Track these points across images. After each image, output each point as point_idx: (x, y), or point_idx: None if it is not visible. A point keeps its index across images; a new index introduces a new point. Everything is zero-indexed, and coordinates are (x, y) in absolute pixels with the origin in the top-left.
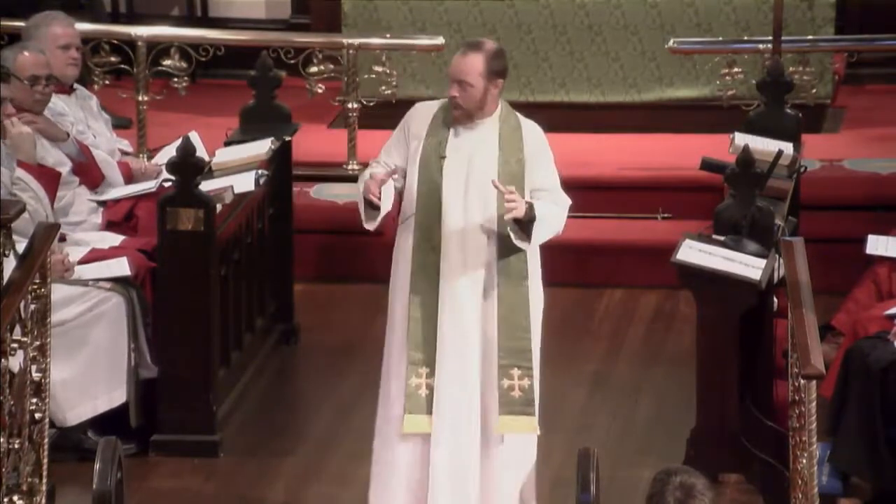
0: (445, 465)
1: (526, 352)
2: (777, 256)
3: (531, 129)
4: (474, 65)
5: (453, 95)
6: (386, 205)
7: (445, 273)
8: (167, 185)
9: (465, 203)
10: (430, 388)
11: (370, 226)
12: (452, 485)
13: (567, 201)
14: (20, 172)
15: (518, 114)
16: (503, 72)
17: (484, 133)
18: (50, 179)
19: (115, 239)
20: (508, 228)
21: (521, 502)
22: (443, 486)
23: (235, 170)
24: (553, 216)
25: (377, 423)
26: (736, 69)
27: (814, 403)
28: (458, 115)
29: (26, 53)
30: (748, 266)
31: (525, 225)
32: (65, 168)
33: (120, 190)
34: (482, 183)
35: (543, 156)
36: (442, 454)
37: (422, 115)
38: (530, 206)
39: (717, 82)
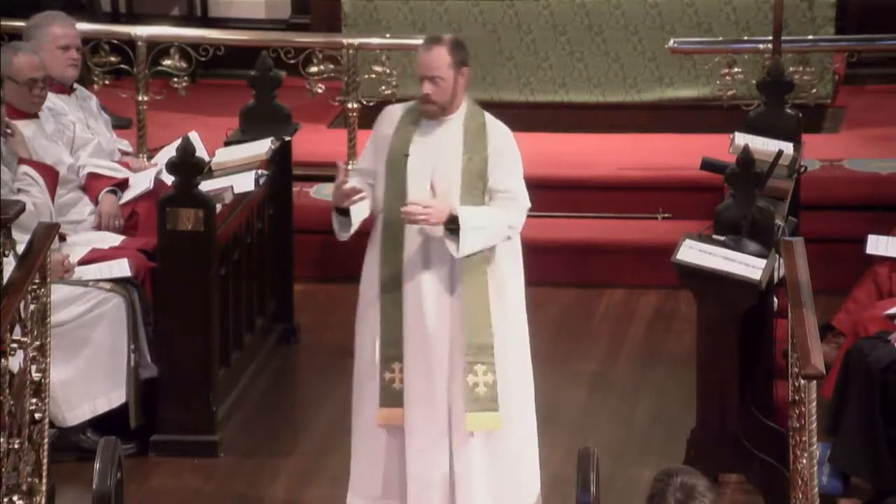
0: (419, 455)
1: (488, 347)
2: (777, 256)
3: (497, 129)
4: (442, 57)
5: (427, 93)
6: (360, 213)
7: (409, 270)
8: (162, 177)
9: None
10: (403, 382)
11: (342, 236)
12: (427, 473)
13: (523, 205)
14: (27, 168)
15: (486, 112)
16: (467, 60)
17: (449, 131)
18: (50, 177)
19: (115, 239)
20: (441, 233)
21: (517, 492)
22: (418, 475)
23: (235, 170)
24: (491, 225)
25: (353, 420)
26: (736, 69)
27: (814, 403)
28: (432, 111)
29: (22, 56)
30: (748, 266)
31: (454, 233)
32: (63, 167)
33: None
34: (446, 181)
35: (506, 157)
36: (415, 445)
37: (390, 116)
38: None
39: (717, 82)
